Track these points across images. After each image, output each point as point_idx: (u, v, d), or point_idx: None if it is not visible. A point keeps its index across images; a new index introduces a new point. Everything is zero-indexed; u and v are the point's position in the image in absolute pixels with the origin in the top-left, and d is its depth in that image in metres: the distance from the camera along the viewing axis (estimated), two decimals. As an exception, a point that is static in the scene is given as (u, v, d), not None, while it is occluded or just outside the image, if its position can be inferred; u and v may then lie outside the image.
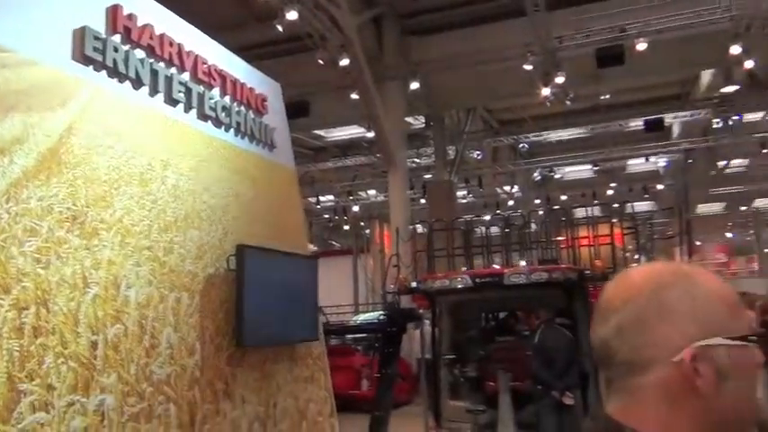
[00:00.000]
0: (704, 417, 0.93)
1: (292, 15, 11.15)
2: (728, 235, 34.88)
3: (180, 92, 4.75)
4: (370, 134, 16.86)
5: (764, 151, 19.94)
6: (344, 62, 12.53)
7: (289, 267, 5.47)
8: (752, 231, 32.50)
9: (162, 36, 4.57)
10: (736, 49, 12.53)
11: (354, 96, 14.02)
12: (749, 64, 13.41)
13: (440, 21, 14.62)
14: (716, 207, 31.99)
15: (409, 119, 18.60)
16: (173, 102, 4.69)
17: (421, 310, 8.42)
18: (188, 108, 4.86)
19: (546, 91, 14.44)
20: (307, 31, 12.15)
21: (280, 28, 11.52)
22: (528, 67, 13.49)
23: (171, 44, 4.66)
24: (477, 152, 21.61)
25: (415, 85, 14.48)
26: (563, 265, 8.13)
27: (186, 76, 4.84)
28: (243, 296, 4.78)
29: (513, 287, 6.94)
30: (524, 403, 7.08)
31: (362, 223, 27.94)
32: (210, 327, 4.64)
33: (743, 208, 31.45)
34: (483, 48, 13.65)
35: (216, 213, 4.97)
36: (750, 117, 18.93)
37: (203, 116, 5.03)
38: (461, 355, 7.97)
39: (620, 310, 0.97)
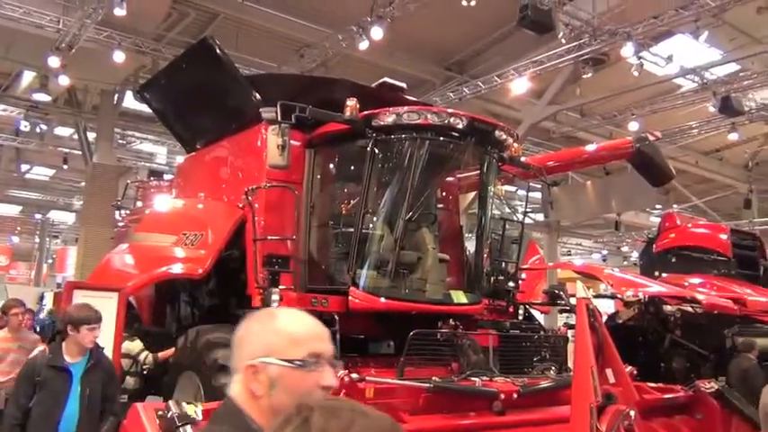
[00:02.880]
0: (260, 404, 1.48)
1: None
2: (15, 239, 34.56)
3: None
4: None
5: (65, 167, 20.78)
6: None
7: None
8: (38, 240, 33.11)
9: None
10: (54, 62, 12.72)
11: None
12: (64, 81, 13.86)
13: None
14: (13, 209, 31.38)
15: None
16: None
17: None
18: None
19: None
20: None
21: None
22: None
23: None
24: None
25: None
26: None
27: None
28: None
29: None
30: None
31: None
32: None
33: (38, 216, 31.83)
34: None
35: None
36: (60, 131, 19.53)
37: None
38: None
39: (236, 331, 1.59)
